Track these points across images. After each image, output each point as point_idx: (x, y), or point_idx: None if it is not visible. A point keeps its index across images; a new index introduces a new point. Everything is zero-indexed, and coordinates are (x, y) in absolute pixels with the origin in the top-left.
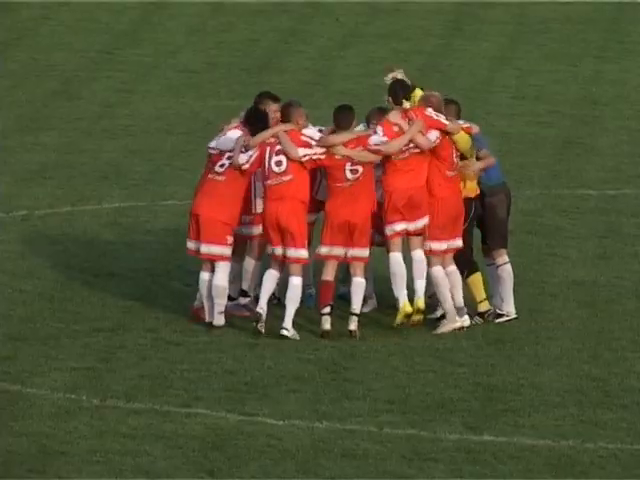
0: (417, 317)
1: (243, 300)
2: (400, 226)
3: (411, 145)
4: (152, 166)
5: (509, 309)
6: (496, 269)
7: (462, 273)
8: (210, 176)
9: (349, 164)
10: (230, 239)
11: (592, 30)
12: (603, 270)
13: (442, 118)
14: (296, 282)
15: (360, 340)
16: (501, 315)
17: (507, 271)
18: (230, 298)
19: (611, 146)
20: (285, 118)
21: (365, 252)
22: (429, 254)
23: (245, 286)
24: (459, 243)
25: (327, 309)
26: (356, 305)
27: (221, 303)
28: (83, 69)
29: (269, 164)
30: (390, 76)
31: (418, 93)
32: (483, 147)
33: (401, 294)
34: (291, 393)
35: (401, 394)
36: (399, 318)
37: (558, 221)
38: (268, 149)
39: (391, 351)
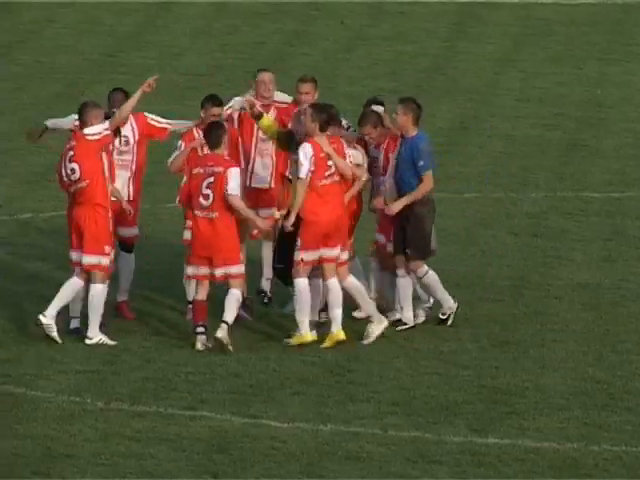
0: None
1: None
2: (313, 255)
3: (333, 170)
4: (156, 169)
5: (407, 315)
6: (399, 278)
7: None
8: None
9: (205, 183)
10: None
11: (596, 32)
12: (608, 272)
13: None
14: (95, 291)
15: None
16: (401, 322)
17: (408, 280)
18: None
19: (616, 148)
20: (79, 118)
21: (240, 268)
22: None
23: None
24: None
25: (201, 328)
26: (229, 316)
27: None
28: (87, 72)
29: (65, 172)
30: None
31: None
32: (427, 166)
33: (303, 322)
34: (295, 396)
35: (405, 396)
36: (293, 341)
37: (563, 224)
38: (63, 157)
39: (395, 353)
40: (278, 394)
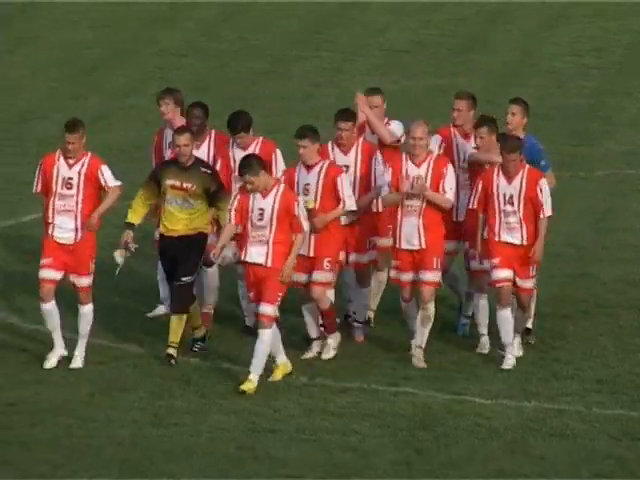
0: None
1: None
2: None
3: None
4: None
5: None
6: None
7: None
8: None
9: None
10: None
11: None
12: None
13: None
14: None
15: (568, 320)
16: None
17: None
18: None
19: None
20: None
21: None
22: None
23: None
24: None
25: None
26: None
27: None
28: (292, 48)
29: None
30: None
31: None
32: (549, 165)
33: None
34: (499, 372)
35: (610, 374)
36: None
37: None
38: None
39: (600, 331)
40: (482, 371)
